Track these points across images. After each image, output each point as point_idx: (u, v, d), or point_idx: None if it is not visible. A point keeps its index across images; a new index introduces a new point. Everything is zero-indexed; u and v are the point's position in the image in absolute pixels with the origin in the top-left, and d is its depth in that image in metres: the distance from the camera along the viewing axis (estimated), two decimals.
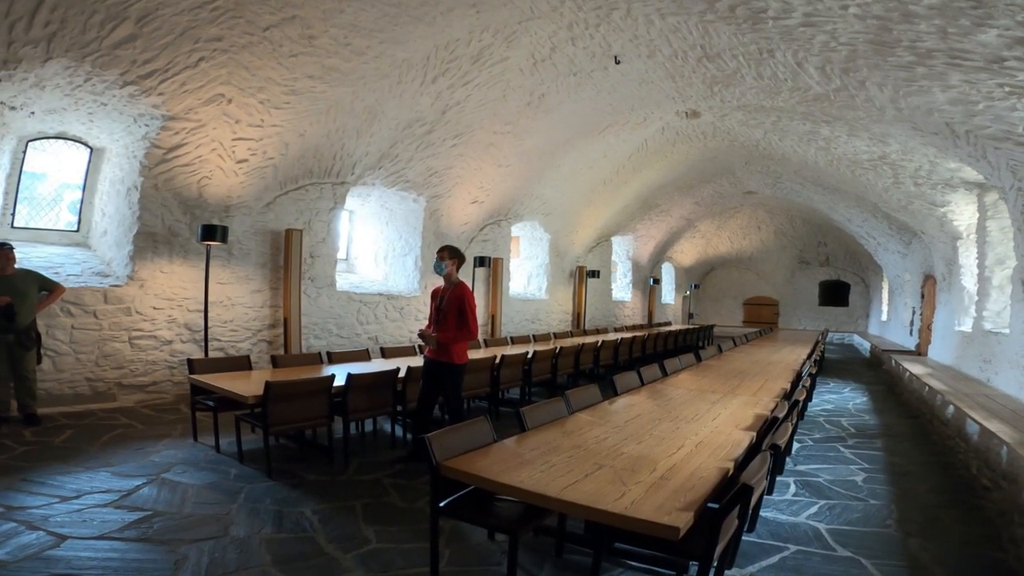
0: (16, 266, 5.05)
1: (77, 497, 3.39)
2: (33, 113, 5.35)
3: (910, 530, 3.53)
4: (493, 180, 9.55)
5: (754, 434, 3.25)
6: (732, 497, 2.07)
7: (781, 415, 3.23)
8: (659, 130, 9.97)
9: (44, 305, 5.24)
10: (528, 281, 13.01)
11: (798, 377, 5.71)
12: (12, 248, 5.05)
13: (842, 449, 5.48)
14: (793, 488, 4.24)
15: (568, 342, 8.94)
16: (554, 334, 10.19)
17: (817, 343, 10.67)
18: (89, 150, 6.31)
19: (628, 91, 7.86)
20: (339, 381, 4.37)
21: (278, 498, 3.58)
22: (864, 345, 16.92)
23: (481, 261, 10.02)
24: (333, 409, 4.34)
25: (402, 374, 4.85)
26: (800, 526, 3.51)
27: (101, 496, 3.43)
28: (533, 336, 9.67)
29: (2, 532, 2.87)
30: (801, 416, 6.08)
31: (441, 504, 2.52)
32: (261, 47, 5.24)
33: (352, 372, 4.54)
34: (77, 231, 6.43)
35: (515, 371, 6.42)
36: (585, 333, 11.68)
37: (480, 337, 9.13)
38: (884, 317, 18.22)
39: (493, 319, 10.78)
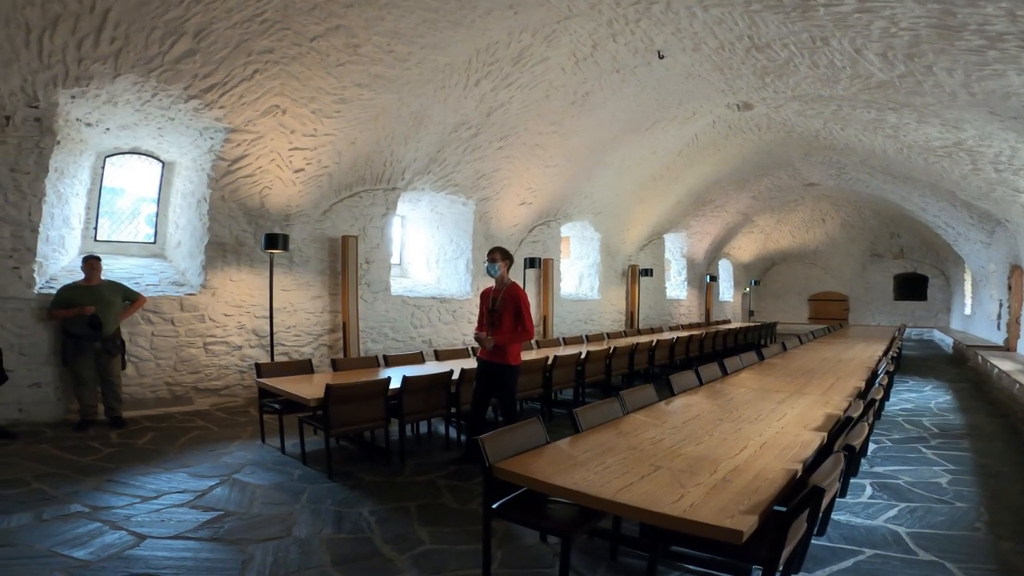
0: (101, 277, 5.46)
1: (157, 497, 3.60)
2: (108, 129, 5.77)
3: (1002, 533, 3.26)
4: (541, 181, 9.53)
5: (825, 435, 3.06)
6: (801, 500, 1.95)
7: (855, 415, 3.03)
8: (710, 124, 9.64)
9: (127, 314, 5.64)
10: (580, 281, 12.89)
11: (873, 375, 5.35)
12: (99, 260, 5.47)
13: (924, 450, 5.12)
14: (869, 490, 4.00)
15: (622, 342, 8.78)
16: (607, 334, 10.03)
17: (894, 339, 10.00)
18: (161, 164, 6.75)
19: (674, 86, 7.66)
20: (395, 384, 4.45)
21: (338, 499, 3.68)
22: (946, 341, 15.77)
23: (531, 262, 10.00)
24: (390, 411, 4.43)
25: (455, 376, 4.89)
26: (877, 529, 3.31)
27: (178, 496, 3.63)
28: (586, 336, 9.55)
29: (88, 532, 3.07)
30: (878, 416, 5.70)
31: (494, 506, 2.51)
32: (309, 57, 5.45)
33: (407, 375, 4.62)
34: (154, 243, 6.89)
35: (568, 372, 6.35)
36: (639, 333, 11.43)
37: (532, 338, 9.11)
38: (968, 311, 16.89)
39: (545, 320, 10.73)
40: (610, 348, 7.36)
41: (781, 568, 2.00)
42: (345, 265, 7.44)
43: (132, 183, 6.87)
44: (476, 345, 4.59)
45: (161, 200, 6.84)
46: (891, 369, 5.41)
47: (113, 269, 6.02)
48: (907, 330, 17.76)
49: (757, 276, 21.94)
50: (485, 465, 2.44)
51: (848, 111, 8.07)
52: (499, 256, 4.49)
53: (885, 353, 7.46)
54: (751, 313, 21.42)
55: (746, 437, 2.99)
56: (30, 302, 5.21)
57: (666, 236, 15.58)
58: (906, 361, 11.96)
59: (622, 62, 6.92)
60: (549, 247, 11.05)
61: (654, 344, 8.52)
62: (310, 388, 4.37)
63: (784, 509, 1.97)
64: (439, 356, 6.34)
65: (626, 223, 12.90)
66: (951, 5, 4.17)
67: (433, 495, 3.81)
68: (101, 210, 6.49)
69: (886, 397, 6.36)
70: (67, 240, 5.90)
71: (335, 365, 5.48)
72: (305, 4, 4.88)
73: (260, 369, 4.97)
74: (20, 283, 5.16)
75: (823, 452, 2.88)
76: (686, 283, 17.13)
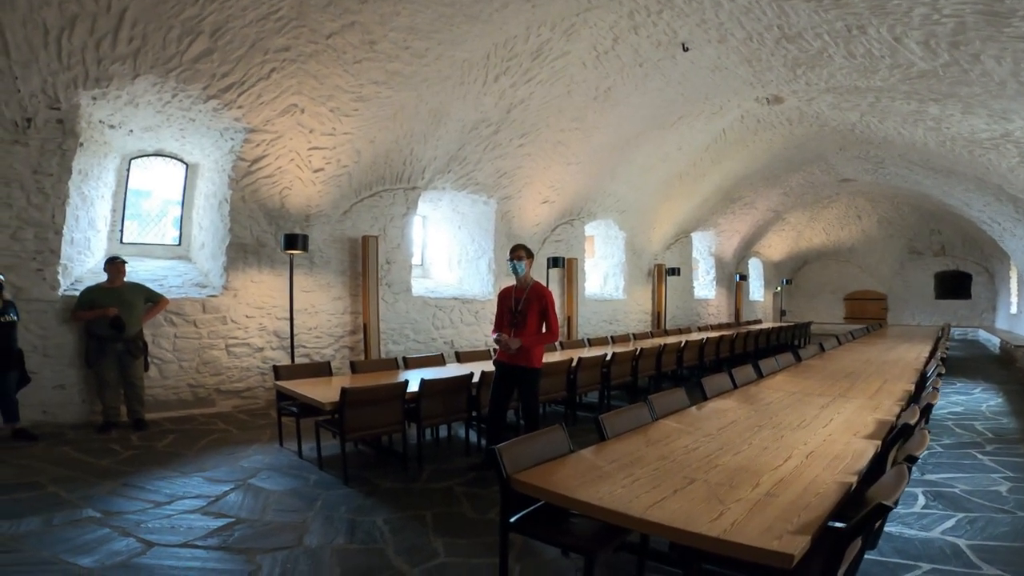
0: (125, 279, 5.47)
1: (170, 503, 3.52)
2: (131, 131, 5.77)
3: None
4: (563, 179, 9.32)
5: (879, 443, 2.79)
6: (864, 517, 1.72)
7: (912, 421, 2.76)
8: (738, 118, 9.31)
9: (149, 316, 5.64)
10: (604, 281, 12.62)
11: (923, 377, 5.01)
12: (125, 262, 5.48)
13: (979, 456, 4.78)
14: (922, 500, 3.72)
15: (648, 343, 8.50)
16: (633, 335, 9.76)
17: (939, 339, 9.47)
18: (185, 166, 6.77)
19: (700, 79, 7.38)
20: (413, 387, 4.31)
21: (352, 506, 3.55)
22: (992, 341, 15.00)
23: (555, 262, 9.79)
24: (407, 415, 4.29)
25: (476, 379, 4.73)
26: (934, 542, 3.06)
27: (192, 502, 3.54)
28: (611, 337, 9.30)
29: (96, 538, 2.99)
30: (925, 420, 5.36)
31: (512, 519, 2.33)
32: (326, 55, 5.35)
33: (426, 378, 4.47)
34: (179, 245, 6.91)
35: (593, 374, 6.13)
36: (666, 333, 11.11)
37: None
38: (1014, 309, 16.04)
39: (569, 321, 10.51)
40: (637, 349, 7.11)
41: None
42: (366, 266, 7.36)
43: (159, 185, 6.91)
44: (504, 347, 4.31)
45: (185, 202, 6.86)
46: (942, 371, 5.05)
47: (138, 271, 6.04)
48: (951, 330, 16.98)
49: (789, 275, 21.27)
50: (503, 476, 2.26)
51: (887, 103, 7.68)
52: (524, 254, 4.33)
53: (932, 354, 7.03)
54: (783, 313, 20.76)
55: (790, 446, 2.74)
56: (54, 304, 5.24)
57: (693, 234, 15.19)
58: (952, 362, 11.37)
59: (645, 56, 6.69)
60: (573, 246, 10.82)
61: (683, 345, 8.23)
62: (327, 391, 4.26)
63: (841, 525, 1.74)
64: (460, 358, 6.19)
65: (652, 221, 12.59)
66: None
67: (450, 503, 3.65)
68: (128, 212, 6.53)
69: None
70: (92, 242, 5.94)
71: (354, 367, 5.37)
72: (320, 1, 4.79)
73: (278, 371, 4.89)
74: (44, 285, 5.18)
75: (877, 462, 2.62)
76: (715, 282, 16.67)
